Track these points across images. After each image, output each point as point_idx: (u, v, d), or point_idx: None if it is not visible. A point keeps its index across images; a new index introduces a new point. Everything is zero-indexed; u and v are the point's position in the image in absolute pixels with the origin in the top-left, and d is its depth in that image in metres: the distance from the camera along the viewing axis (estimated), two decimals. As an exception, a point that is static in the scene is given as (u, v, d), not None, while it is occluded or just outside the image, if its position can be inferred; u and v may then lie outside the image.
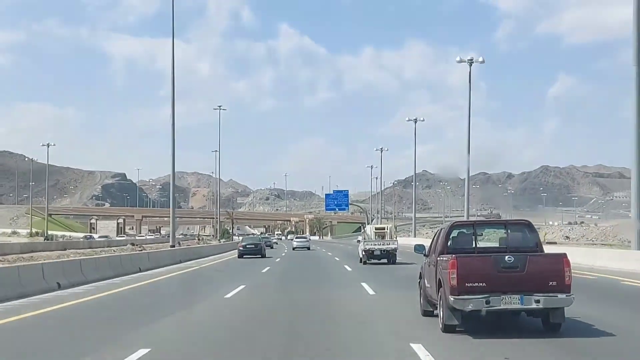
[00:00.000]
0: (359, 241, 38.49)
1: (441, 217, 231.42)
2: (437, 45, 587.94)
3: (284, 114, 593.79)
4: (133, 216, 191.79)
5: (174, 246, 47.48)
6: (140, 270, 29.84)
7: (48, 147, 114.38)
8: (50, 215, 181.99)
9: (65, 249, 63.05)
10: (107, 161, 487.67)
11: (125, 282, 23.68)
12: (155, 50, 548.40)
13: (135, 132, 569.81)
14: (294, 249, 67.48)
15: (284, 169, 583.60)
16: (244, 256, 46.69)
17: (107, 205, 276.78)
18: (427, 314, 13.05)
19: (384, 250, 34.41)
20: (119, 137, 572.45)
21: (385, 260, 34.45)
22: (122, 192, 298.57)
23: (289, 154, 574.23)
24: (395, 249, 34.53)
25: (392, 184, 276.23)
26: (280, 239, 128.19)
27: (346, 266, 32.82)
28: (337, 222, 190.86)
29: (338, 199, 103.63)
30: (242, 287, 21.00)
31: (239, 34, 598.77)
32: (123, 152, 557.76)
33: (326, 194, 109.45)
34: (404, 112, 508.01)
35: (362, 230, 41.53)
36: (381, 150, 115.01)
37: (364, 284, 21.19)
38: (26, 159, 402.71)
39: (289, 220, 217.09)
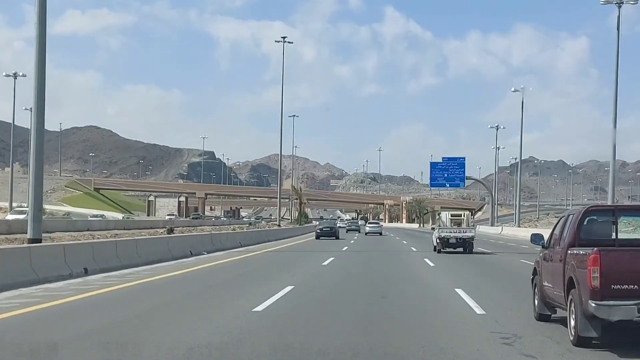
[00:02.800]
0: (433, 229, 38.06)
1: (549, 205, 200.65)
2: (546, 30, 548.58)
3: (386, 100, 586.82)
4: (194, 193, 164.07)
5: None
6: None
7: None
8: (97, 190, 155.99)
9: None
10: (205, 143, 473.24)
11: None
12: (260, 34, 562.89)
13: (236, 115, 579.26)
14: (366, 234, 67.56)
15: (382, 153, 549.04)
16: (320, 237, 52.59)
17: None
18: (543, 318, 11.35)
19: (459, 239, 32.78)
20: (221, 119, 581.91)
21: (461, 249, 32.86)
22: (209, 171, 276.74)
23: (389, 139, 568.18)
24: (472, 237, 33.09)
25: (495, 171, 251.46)
26: (358, 226, 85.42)
27: (427, 260, 28.38)
28: (440, 208, 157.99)
29: (450, 170, 72.83)
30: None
31: (344, 17, 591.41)
32: (223, 134, 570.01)
33: (432, 163, 78.14)
34: (510, 98, 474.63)
35: (437, 217, 37.30)
36: (497, 128, 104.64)
37: (460, 293, 15.83)
38: (111, 135, 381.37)
39: (382, 204, 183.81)
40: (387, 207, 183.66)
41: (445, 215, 35.17)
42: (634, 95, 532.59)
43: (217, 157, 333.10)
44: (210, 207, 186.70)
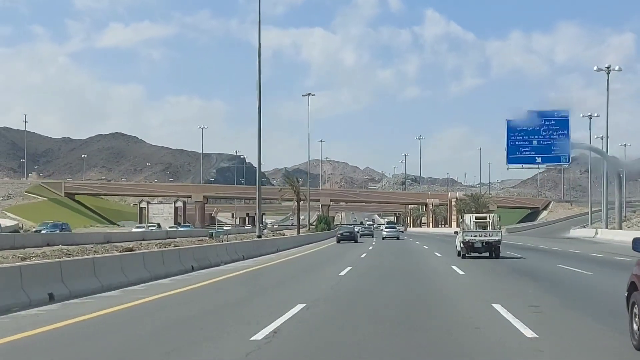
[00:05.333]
0: (456, 232, 35.14)
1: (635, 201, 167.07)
2: (591, 27, 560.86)
3: (427, 102, 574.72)
4: (190, 196, 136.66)
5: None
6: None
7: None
8: (71, 195, 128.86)
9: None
10: (238, 149, 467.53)
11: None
12: (300, 41, 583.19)
13: (276, 123, 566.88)
14: (383, 238, 66.96)
15: (424, 157, 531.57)
16: (341, 242, 57.09)
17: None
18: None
19: (485, 243, 31.06)
20: (262, 129, 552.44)
21: (487, 254, 31.44)
22: (238, 177, 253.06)
23: (431, 142, 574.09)
24: (499, 241, 31.34)
25: (543, 169, 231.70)
26: (371, 231, 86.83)
27: (455, 267, 25.78)
28: (497, 207, 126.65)
29: (542, 135, 43.33)
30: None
31: (385, 20, 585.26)
32: (263, 142, 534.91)
33: (509, 124, 48.63)
34: (554, 97, 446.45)
35: (461, 220, 35.43)
36: (590, 117, 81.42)
37: (499, 309, 13.06)
38: (137, 142, 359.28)
39: (425, 204, 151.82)
40: (430, 207, 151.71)
41: (469, 218, 33.78)
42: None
43: (248, 162, 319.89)
44: (232, 215, 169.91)
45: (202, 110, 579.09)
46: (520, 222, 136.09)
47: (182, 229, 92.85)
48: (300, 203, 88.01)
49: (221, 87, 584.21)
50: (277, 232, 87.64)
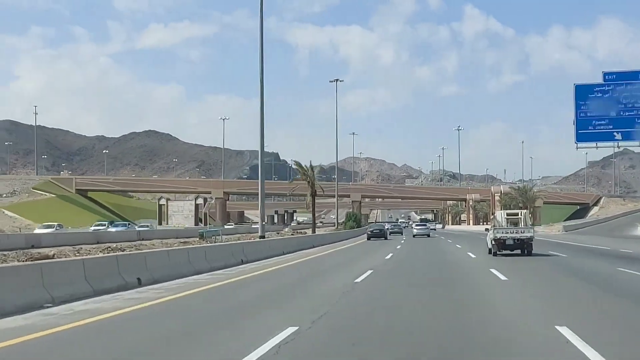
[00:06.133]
0: (487, 230, 35.09)
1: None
2: (633, 22, 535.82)
3: (465, 99, 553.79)
4: (209, 192, 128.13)
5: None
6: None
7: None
8: (82, 192, 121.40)
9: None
10: (277, 148, 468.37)
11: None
12: (338, 39, 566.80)
13: (314, 121, 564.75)
14: (414, 236, 66.90)
15: (462, 154, 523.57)
16: (371, 239, 59.38)
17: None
18: None
19: (517, 240, 30.58)
20: (299, 126, 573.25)
21: (518, 251, 30.98)
22: (273, 174, 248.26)
23: (469, 139, 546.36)
24: (531, 238, 30.84)
25: (586, 165, 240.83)
26: (401, 229, 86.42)
27: (494, 270, 22.24)
28: (543, 203, 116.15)
29: (624, 102, 32.98)
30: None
31: (423, 17, 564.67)
32: (300, 139, 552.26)
33: (578, 89, 39.20)
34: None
35: (492, 217, 36.83)
36: None
37: (567, 333, 9.67)
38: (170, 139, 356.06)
39: (464, 200, 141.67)
40: (471, 203, 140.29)
41: (500, 215, 32.88)
42: None
43: (282, 158, 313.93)
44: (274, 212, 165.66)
45: (240, 109, 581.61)
46: (568, 219, 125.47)
47: (161, 228, 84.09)
48: (329, 200, 78.96)
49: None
50: (298, 230, 78.80)
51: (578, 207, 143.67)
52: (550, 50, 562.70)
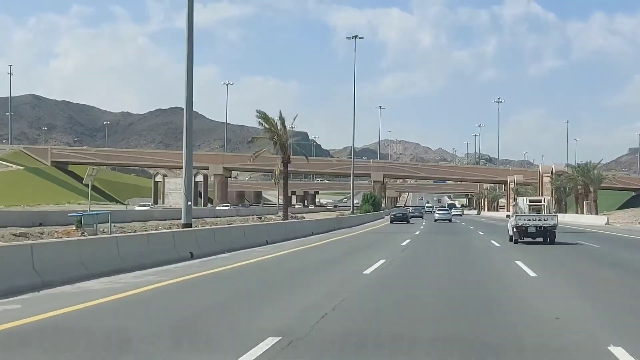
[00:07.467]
0: (508, 216, 35.20)
1: None
2: None
3: (505, 84, 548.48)
4: (207, 168, 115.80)
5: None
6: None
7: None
8: (60, 164, 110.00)
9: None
10: (310, 129, 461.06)
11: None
12: (376, 21, 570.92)
13: (350, 103, 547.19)
14: (435, 220, 67.60)
15: (500, 139, 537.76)
16: (394, 222, 59.79)
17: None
18: None
19: (539, 227, 29.79)
20: (336, 109, 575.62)
21: (540, 239, 30.45)
22: (299, 154, 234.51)
23: (508, 124, 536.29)
24: (554, 226, 30.09)
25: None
26: (422, 213, 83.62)
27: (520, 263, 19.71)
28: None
29: None
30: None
31: (463, 1, 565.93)
32: (336, 122, 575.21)
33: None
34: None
35: (514, 203, 34.62)
36: None
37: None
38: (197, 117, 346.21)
39: (504, 182, 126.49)
40: (512, 186, 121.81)
41: (522, 201, 32.30)
42: None
43: (310, 138, 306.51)
44: (291, 195, 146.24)
45: (276, 90, 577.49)
46: (621, 207, 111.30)
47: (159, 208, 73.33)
48: (345, 179, 66.51)
49: (297, 67, 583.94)
50: (293, 215, 65.51)
51: (633, 194, 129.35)
52: (592, 35, 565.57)
